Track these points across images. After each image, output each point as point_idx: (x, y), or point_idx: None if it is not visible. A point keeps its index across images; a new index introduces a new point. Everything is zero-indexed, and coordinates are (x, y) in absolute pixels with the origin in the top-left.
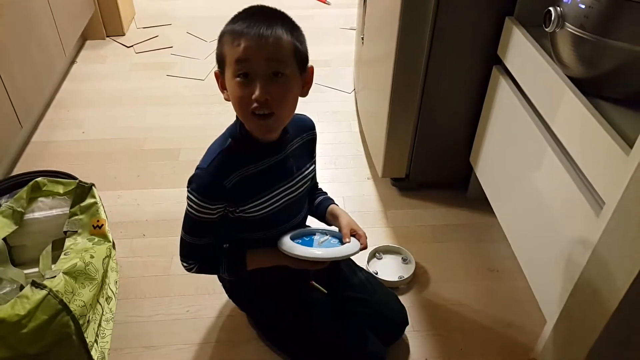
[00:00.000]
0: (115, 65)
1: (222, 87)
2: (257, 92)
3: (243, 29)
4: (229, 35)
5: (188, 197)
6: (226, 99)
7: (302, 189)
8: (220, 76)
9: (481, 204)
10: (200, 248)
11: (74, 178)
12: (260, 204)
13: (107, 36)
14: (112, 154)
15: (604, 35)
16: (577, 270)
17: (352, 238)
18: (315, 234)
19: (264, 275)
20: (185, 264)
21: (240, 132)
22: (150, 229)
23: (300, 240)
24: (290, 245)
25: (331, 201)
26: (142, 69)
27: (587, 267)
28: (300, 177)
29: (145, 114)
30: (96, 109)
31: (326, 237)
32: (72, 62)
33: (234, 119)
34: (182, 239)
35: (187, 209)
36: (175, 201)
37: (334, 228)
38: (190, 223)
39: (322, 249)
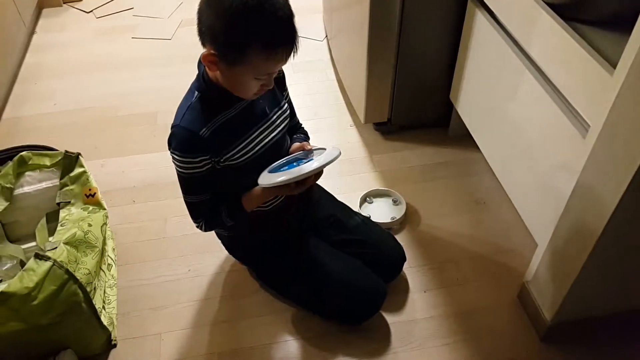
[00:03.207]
0: (77, 32)
1: (213, 65)
2: (269, 85)
3: (279, 50)
4: (263, 49)
5: (172, 158)
6: (212, 74)
7: (279, 128)
8: (216, 59)
9: (463, 140)
10: (202, 205)
11: (56, 150)
12: (242, 149)
13: (64, 2)
14: (88, 124)
15: None
16: (565, 193)
17: (326, 147)
18: (292, 162)
19: (263, 228)
20: (196, 224)
21: (206, 84)
22: (140, 195)
23: (279, 170)
24: (272, 175)
25: (296, 140)
26: (105, 33)
27: (576, 188)
28: (275, 116)
29: (116, 80)
30: (64, 79)
31: (303, 155)
32: (32, 32)
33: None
34: (185, 201)
35: (176, 170)
36: (160, 165)
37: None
38: (184, 182)
39: (302, 166)
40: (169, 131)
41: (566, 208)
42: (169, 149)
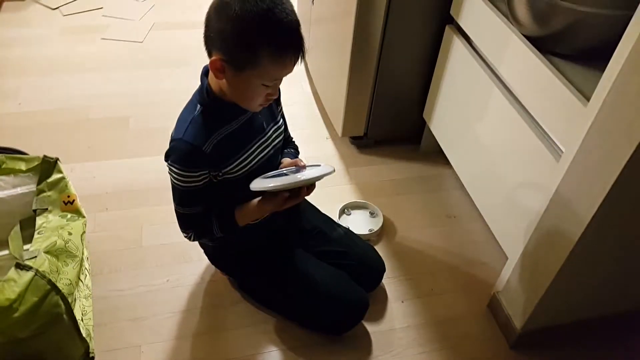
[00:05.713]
0: (42, 29)
1: (220, 73)
2: (275, 94)
3: (289, 54)
4: (273, 52)
5: (170, 170)
6: (217, 82)
7: (275, 142)
8: (224, 65)
9: (434, 156)
10: (194, 216)
11: (25, 154)
12: (240, 162)
13: None
14: (56, 126)
15: None
16: (536, 209)
17: (320, 164)
18: (284, 173)
19: (249, 239)
20: (184, 234)
21: (209, 97)
22: (113, 202)
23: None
24: (265, 180)
25: (287, 155)
26: (73, 32)
27: (550, 206)
28: (272, 131)
29: (85, 81)
30: (30, 78)
31: (294, 170)
32: None
33: (183, 83)
34: (176, 212)
35: (172, 182)
36: (133, 171)
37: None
38: (179, 194)
39: (296, 174)
40: (143, 136)
41: (540, 223)
42: (167, 161)
